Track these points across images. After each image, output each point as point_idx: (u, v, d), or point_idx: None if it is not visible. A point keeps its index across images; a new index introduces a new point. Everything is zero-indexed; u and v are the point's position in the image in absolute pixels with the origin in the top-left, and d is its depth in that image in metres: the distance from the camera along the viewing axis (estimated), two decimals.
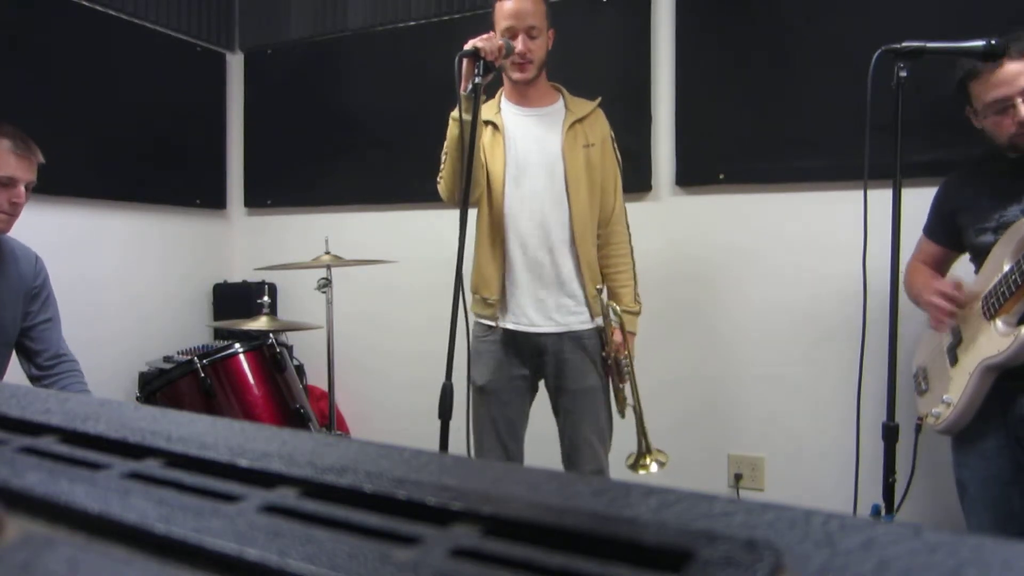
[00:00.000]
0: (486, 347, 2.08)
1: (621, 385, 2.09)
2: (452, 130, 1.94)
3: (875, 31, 2.11)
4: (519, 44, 1.94)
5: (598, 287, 2.05)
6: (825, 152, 2.47)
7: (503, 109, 2.09)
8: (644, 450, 2.01)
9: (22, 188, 1.85)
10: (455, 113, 1.89)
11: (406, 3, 3.18)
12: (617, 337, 2.04)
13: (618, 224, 2.12)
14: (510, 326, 2.05)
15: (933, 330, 1.89)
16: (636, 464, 2.02)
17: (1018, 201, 1.67)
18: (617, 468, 2.13)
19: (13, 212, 1.86)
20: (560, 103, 2.10)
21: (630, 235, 2.16)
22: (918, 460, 1.85)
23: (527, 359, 2.08)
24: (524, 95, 2.07)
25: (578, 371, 2.05)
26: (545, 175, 2.02)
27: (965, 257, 1.88)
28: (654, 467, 2.00)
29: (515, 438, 2.10)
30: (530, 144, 2.04)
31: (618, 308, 2.04)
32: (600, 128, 2.09)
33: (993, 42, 1.53)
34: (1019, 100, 1.61)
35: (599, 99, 2.12)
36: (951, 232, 1.85)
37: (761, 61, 2.57)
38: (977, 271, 1.77)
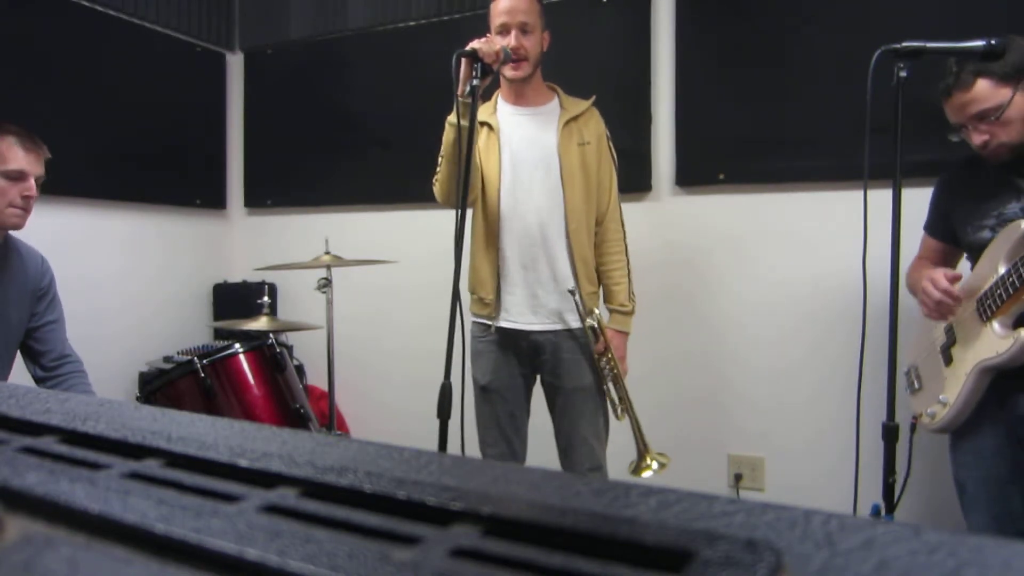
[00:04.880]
0: (485, 347, 2.09)
1: (605, 387, 2.09)
2: (449, 134, 1.94)
3: (875, 31, 2.11)
4: (512, 40, 1.94)
5: (592, 292, 2.06)
6: (825, 152, 2.47)
7: (499, 109, 2.10)
8: (643, 451, 2.02)
9: (32, 181, 1.86)
10: (451, 118, 1.90)
11: (406, 3, 3.18)
12: (599, 346, 2.05)
13: (612, 222, 2.12)
14: (506, 324, 2.05)
15: (925, 328, 1.89)
16: (638, 468, 2.03)
17: (1017, 198, 1.67)
18: (619, 473, 2.13)
19: (26, 207, 1.87)
20: (555, 102, 2.11)
21: (625, 233, 2.15)
22: (914, 458, 1.85)
23: (525, 357, 2.09)
24: (520, 94, 2.08)
25: (574, 370, 2.06)
26: (540, 173, 2.03)
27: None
28: (655, 466, 2.01)
29: (518, 433, 2.12)
30: (525, 142, 2.05)
31: (596, 315, 2.03)
32: (595, 126, 2.09)
33: (993, 42, 1.54)
34: (970, 127, 1.66)
35: (593, 97, 2.13)
36: (949, 228, 1.85)
37: (761, 61, 2.57)
38: (973, 268, 1.77)
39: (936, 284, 1.72)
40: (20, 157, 1.83)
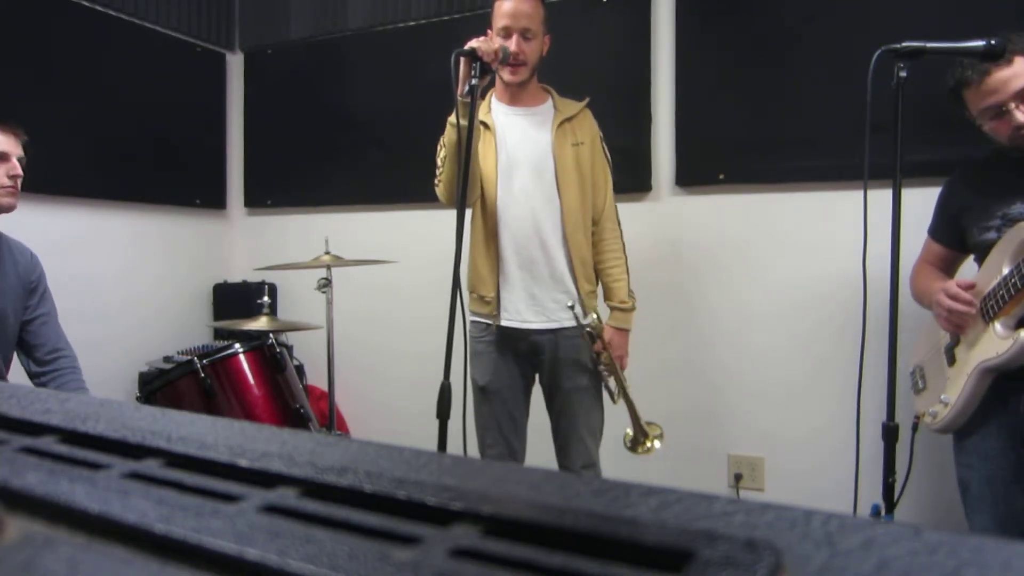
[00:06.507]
0: (483, 347, 2.10)
1: (604, 383, 2.12)
2: (450, 135, 1.95)
3: (875, 31, 2.11)
4: (512, 44, 1.95)
5: (591, 290, 2.06)
6: (825, 152, 2.47)
7: (493, 109, 2.11)
8: (642, 437, 2.05)
9: (15, 161, 1.89)
10: (452, 118, 1.90)
11: (406, 3, 3.18)
12: (597, 345, 2.06)
13: (609, 221, 2.14)
14: (505, 323, 2.06)
15: (932, 329, 1.89)
16: (635, 448, 2.06)
17: (1022, 198, 1.67)
18: (614, 455, 2.15)
19: (15, 186, 1.89)
20: (549, 103, 2.13)
21: (622, 232, 2.17)
22: (916, 458, 1.85)
23: (523, 357, 2.11)
24: (515, 95, 2.09)
25: (571, 370, 2.07)
26: (535, 173, 2.04)
27: (971, 258, 1.88)
28: (657, 444, 2.04)
29: (517, 433, 2.13)
30: (520, 143, 2.06)
31: (595, 317, 2.04)
32: (589, 127, 2.11)
33: (993, 42, 1.53)
34: (1012, 105, 1.61)
35: (587, 99, 2.14)
36: (955, 233, 1.84)
37: (761, 61, 2.57)
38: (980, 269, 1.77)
39: (947, 291, 1.71)
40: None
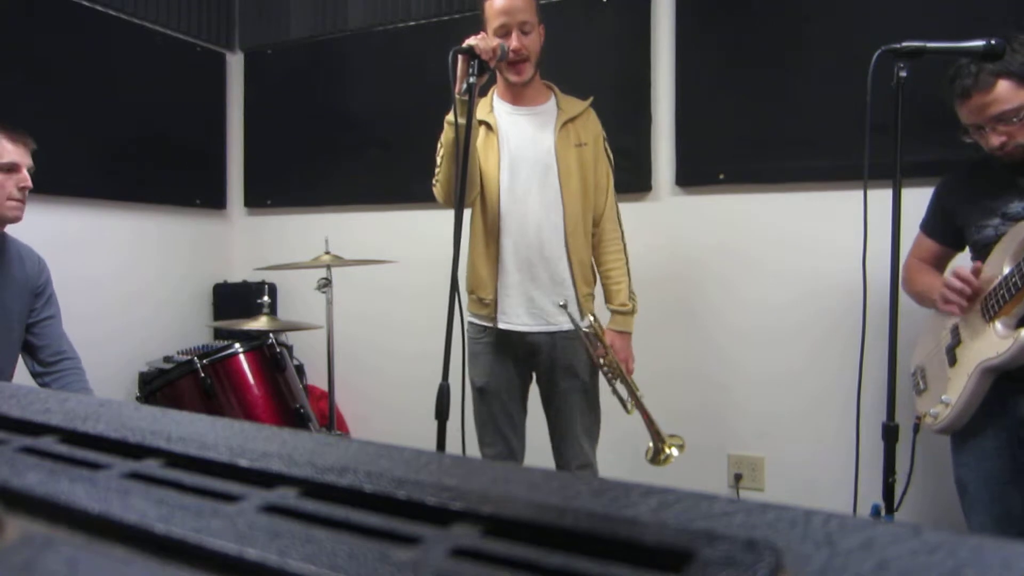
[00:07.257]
0: (481, 348, 2.10)
1: (612, 388, 2.09)
2: (448, 133, 1.94)
3: (875, 31, 2.11)
4: (514, 41, 1.93)
5: (591, 293, 2.06)
6: (825, 152, 2.47)
7: (496, 108, 2.09)
8: (660, 444, 2.00)
9: (26, 172, 1.87)
10: (450, 116, 1.89)
11: (406, 3, 3.18)
12: (599, 351, 2.04)
13: (610, 222, 2.12)
14: (503, 326, 2.05)
15: (933, 329, 1.89)
16: (656, 458, 2.00)
17: (1020, 197, 1.67)
18: (634, 466, 2.14)
19: (23, 198, 1.88)
20: (552, 102, 2.10)
21: (623, 233, 2.15)
22: (916, 459, 1.85)
23: (521, 358, 2.10)
24: (518, 94, 2.07)
25: (567, 372, 2.07)
26: (538, 174, 2.02)
27: (962, 254, 1.88)
28: (675, 452, 1.99)
29: (515, 431, 2.13)
30: (523, 143, 2.04)
31: (592, 320, 2.02)
32: (592, 127, 2.09)
33: (993, 42, 1.54)
34: (988, 129, 1.64)
35: (591, 98, 2.13)
36: (950, 230, 1.85)
37: (761, 61, 2.57)
38: None
39: (954, 272, 1.70)
40: (10, 149, 1.84)
